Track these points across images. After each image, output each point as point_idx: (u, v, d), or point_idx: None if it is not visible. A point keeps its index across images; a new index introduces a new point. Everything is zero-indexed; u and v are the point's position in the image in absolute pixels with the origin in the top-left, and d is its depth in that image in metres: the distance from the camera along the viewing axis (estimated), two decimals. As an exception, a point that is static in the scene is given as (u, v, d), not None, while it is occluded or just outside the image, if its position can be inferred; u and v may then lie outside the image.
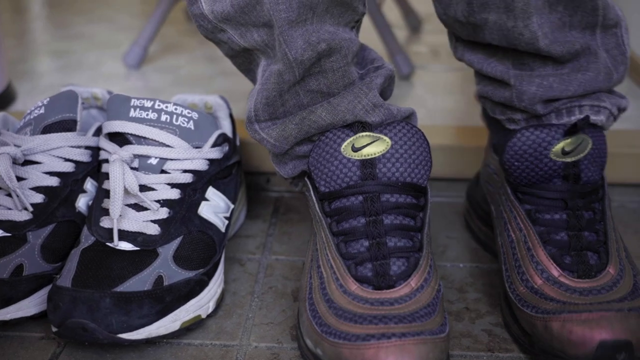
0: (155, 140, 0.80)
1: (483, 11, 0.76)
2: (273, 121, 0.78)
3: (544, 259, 0.74)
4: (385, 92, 0.81)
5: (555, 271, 0.73)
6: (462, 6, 0.77)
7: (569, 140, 0.77)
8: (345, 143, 0.75)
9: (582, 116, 0.78)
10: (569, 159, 0.77)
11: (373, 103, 0.76)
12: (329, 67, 0.75)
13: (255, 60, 0.79)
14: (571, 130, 0.76)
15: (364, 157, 0.74)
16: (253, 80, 0.83)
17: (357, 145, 0.75)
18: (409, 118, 0.80)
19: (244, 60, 0.80)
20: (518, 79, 0.79)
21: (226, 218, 0.85)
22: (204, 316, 0.78)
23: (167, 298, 0.74)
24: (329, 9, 0.74)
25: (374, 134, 0.75)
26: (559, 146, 0.77)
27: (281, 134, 0.78)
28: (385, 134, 0.75)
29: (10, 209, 0.79)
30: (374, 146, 0.75)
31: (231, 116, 0.94)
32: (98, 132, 0.86)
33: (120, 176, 0.75)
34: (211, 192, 0.83)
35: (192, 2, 0.76)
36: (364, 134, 0.75)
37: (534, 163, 0.77)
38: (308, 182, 0.79)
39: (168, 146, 0.80)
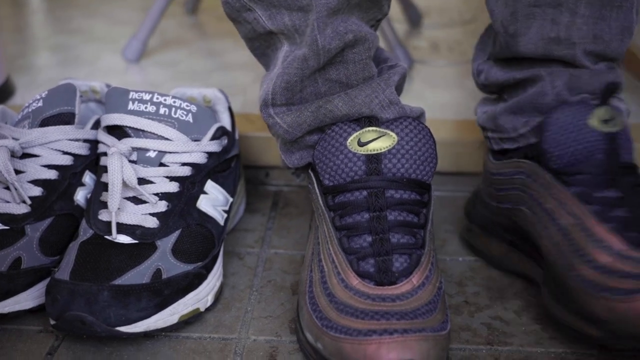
0: (153, 133, 0.79)
1: (526, 20, 0.78)
2: (288, 107, 0.78)
3: (606, 235, 0.70)
4: (397, 90, 0.81)
5: (621, 245, 0.69)
6: (505, 15, 0.79)
7: (603, 110, 0.76)
8: (352, 137, 0.75)
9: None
10: (608, 129, 0.76)
11: (389, 99, 0.77)
12: (350, 58, 0.76)
13: (274, 44, 0.79)
14: (604, 96, 0.77)
15: (369, 152, 0.74)
16: (266, 64, 0.83)
17: (363, 140, 0.75)
18: (419, 118, 0.81)
19: (262, 44, 0.80)
20: (549, 71, 0.80)
21: (225, 211, 0.85)
22: (202, 309, 0.78)
23: (165, 291, 0.73)
24: (360, 3, 0.75)
25: (381, 129, 0.75)
26: (596, 114, 0.76)
27: (295, 120, 0.78)
28: (392, 130, 0.75)
29: (8, 202, 0.79)
30: (380, 141, 0.74)
31: (230, 109, 0.94)
32: (96, 125, 0.86)
33: (118, 169, 0.75)
34: (210, 186, 0.83)
35: None
36: (370, 128, 0.75)
37: (575, 132, 0.76)
38: (312, 175, 0.79)
39: (166, 139, 0.80)
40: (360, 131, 0.75)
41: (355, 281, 0.69)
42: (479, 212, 0.88)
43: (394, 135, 0.74)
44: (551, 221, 0.75)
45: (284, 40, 0.77)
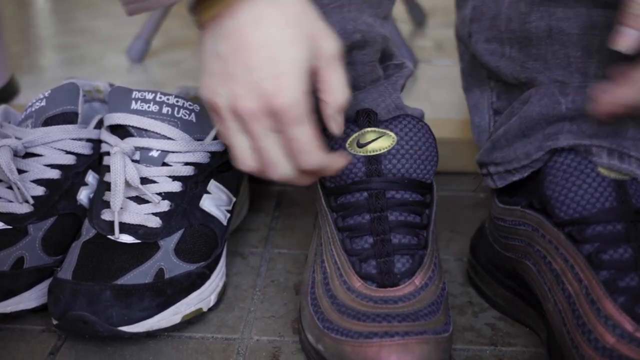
0: (156, 133, 0.79)
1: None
2: None
3: (614, 312, 0.62)
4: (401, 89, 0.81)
5: (629, 326, 0.61)
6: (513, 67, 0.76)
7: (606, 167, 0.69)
8: (351, 139, 0.74)
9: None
10: (618, 176, 0.69)
11: (396, 104, 0.76)
12: (359, 60, 0.75)
13: None
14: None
15: (369, 153, 0.74)
16: None
17: (362, 141, 0.74)
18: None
19: None
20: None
21: (228, 211, 0.84)
22: (205, 309, 0.77)
23: (168, 291, 0.73)
24: None
25: (380, 130, 0.74)
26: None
27: None
28: (391, 129, 0.74)
29: (11, 201, 0.79)
30: (380, 142, 0.74)
31: (233, 109, 0.94)
32: (99, 125, 0.86)
33: (121, 169, 0.75)
34: (213, 185, 0.82)
35: None
36: (369, 129, 0.74)
37: (581, 179, 0.69)
38: None
39: (169, 139, 0.79)
40: (360, 132, 0.74)
41: (357, 283, 0.69)
42: (484, 252, 0.82)
43: (393, 135, 0.74)
44: (557, 284, 0.68)
45: None
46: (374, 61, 0.75)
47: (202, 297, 0.77)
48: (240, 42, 0.60)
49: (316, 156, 0.63)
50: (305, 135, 0.62)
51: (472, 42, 0.78)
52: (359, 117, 0.75)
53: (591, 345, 0.62)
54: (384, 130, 0.74)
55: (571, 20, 0.71)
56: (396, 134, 0.74)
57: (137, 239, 0.75)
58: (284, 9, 0.60)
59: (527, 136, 0.74)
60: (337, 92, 0.64)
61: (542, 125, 0.73)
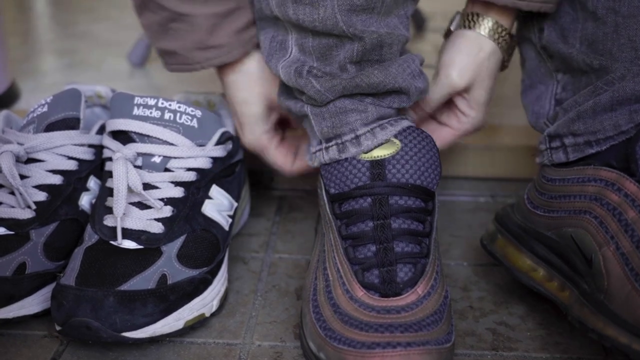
0: (158, 139, 0.79)
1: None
2: (324, 75, 0.77)
3: None
4: None
5: None
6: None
7: None
8: None
9: None
10: None
11: (419, 70, 0.78)
12: (387, 58, 0.76)
13: (282, 31, 0.78)
14: None
15: (373, 158, 0.74)
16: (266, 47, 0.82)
17: None
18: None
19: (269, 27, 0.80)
20: None
21: (230, 216, 0.85)
22: (207, 315, 0.78)
23: (171, 297, 0.73)
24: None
25: None
26: None
27: (330, 81, 0.75)
28: (395, 137, 0.75)
29: (13, 207, 0.79)
30: (384, 148, 0.75)
31: (235, 114, 0.94)
32: (101, 130, 0.86)
33: (123, 174, 0.75)
34: (215, 191, 0.83)
35: None
36: None
37: None
38: (321, 180, 0.79)
39: (171, 144, 0.80)
40: None
41: (360, 293, 0.69)
42: (515, 220, 0.83)
43: (397, 142, 0.75)
44: (624, 232, 0.71)
45: (291, 29, 0.76)
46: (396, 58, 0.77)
47: (205, 303, 0.77)
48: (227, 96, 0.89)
49: (286, 171, 0.90)
50: (271, 159, 0.90)
51: (544, 35, 0.81)
52: None
53: None
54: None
55: (638, 17, 0.73)
56: (400, 141, 0.75)
57: (140, 244, 0.75)
58: (245, 76, 0.85)
59: (614, 110, 0.76)
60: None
61: (631, 102, 0.75)
